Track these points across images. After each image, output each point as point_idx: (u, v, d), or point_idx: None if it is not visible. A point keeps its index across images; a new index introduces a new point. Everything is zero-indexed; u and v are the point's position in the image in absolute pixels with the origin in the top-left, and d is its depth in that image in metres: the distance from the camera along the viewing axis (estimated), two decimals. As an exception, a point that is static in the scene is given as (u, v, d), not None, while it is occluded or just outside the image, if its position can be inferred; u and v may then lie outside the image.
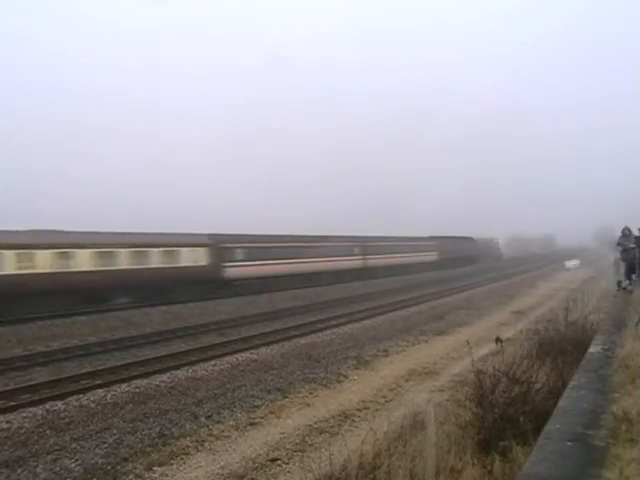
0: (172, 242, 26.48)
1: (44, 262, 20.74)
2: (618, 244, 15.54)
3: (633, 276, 14.76)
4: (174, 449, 7.62)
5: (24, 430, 8.23)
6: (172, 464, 7.13)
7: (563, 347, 8.86)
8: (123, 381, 10.91)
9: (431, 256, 51.71)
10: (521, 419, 5.81)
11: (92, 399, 9.81)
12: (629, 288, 14.68)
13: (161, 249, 25.70)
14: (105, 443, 7.83)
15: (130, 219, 42.08)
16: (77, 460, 7.22)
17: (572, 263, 55.02)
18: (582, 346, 7.94)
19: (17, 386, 10.56)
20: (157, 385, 10.83)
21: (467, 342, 8.99)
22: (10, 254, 19.83)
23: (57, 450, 7.53)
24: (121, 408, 9.42)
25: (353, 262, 40.94)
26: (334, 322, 19.20)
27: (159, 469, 6.97)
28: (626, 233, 15.00)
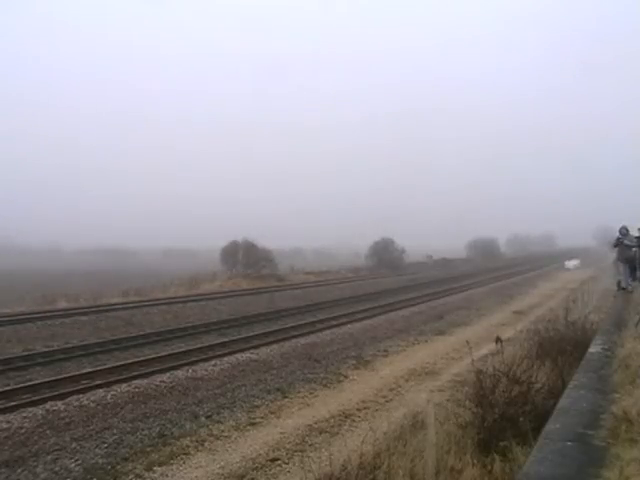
0: None
1: None
2: (616, 244, 15.44)
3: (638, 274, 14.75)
4: (174, 449, 7.62)
5: (24, 430, 8.22)
6: (172, 464, 7.13)
7: (563, 347, 8.84)
8: (123, 381, 10.89)
9: None
10: (521, 419, 5.81)
11: (92, 399, 9.79)
12: (629, 288, 14.68)
13: None
14: (105, 443, 7.83)
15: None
16: (77, 460, 7.22)
17: (572, 263, 54.99)
18: (582, 346, 7.94)
19: (17, 386, 10.54)
20: (157, 385, 10.82)
21: (467, 342, 8.98)
22: None
23: (57, 450, 7.53)
24: (121, 408, 9.41)
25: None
26: (334, 322, 19.18)
27: (159, 469, 6.97)
28: (623, 232, 14.96)
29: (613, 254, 16.46)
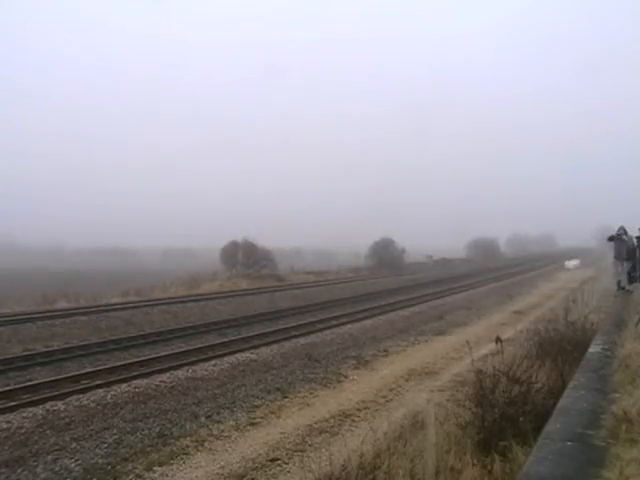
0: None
1: None
2: (611, 238, 15.36)
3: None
4: (174, 449, 7.61)
5: (24, 430, 8.22)
6: (172, 464, 7.12)
7: (563, 347, 8.85)
8: (123, 381, 10.89)
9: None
10: (521, 419, 5.81)
11: (92, 399, 9.79)
12: (629, 288, 14.68)
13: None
14: (105, 443, 7.83)
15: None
16: (77, 460, 7.21)
17: (572, 263, 54.92)
18: (582, 346, 7.94)
19: (17, 386, 10.53)
20: (157, 385, 10.82)
21: (467, 342, 8.98)
22: None
23: (57, 450, 7.52)
24: (121, 408, 9.41)
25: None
26: (334, 322, 19.18)
27: (159, 469, 6.96)
28: (621, 232, 14.94)
29: (611, 252, 16.37)
